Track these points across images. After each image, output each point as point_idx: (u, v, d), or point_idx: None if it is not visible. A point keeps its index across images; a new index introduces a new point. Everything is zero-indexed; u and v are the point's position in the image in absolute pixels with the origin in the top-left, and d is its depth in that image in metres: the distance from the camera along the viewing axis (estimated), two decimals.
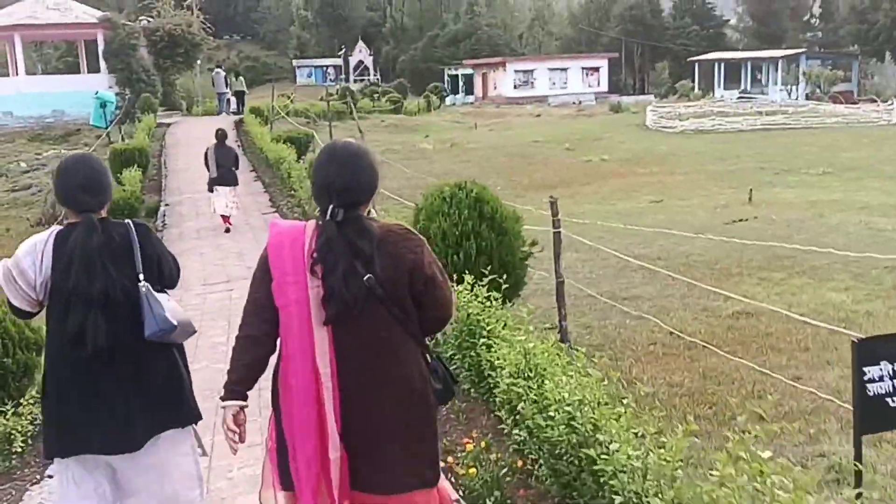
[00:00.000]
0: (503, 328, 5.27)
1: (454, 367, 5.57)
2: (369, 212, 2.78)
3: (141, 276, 3.17)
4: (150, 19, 32.82)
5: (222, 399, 2.76)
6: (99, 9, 33.87)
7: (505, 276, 6.50)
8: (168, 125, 27.32)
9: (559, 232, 6.73)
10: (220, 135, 13.98)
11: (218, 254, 11.93)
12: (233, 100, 31.27)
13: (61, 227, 3.22)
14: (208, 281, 10.08)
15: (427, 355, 2.81)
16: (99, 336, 3.06)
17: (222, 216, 13.69)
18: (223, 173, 13.57)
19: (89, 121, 26.32)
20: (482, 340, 5.18)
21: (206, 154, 13.95)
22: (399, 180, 18.82)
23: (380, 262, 2.61)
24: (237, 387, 2.75)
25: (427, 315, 2.78)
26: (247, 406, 2.79)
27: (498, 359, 4.84)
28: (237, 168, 14.03)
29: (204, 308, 8.69)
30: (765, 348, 7.01)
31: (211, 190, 13.76)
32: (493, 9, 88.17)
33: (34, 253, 3.13)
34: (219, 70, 32.52)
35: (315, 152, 20.35)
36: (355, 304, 2.59)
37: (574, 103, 51.41)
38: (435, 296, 2.76)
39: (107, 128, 22.75)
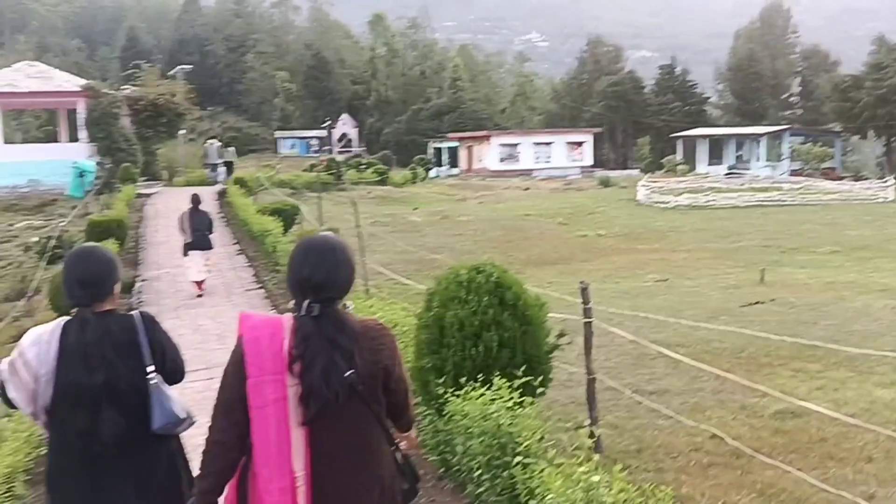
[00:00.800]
0: (539, 440, 4.41)
1: (482, 489, 4.65)
2: (345, 305, 2.73)
3: (150, 369, 3.17)
4: (134, 88, 32.35)
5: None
6: (81, 77, 33.40)
7: (530, 373, 5.75)
8: (148, 195, 26.53)
9: (590, 322, 5.88)
10: (195, 199, 14.14)
11: (197, 337, 11.01)
12: (222, 169, 31.33)
13: (68, 318, 3.18)
14: (187, 368, 9.06)
15: (396, 454, 2.80)
16: (110, 431, 3.06)
17: (195, 282, 13.67)
18: (198, 238, 13.66)
19: (66, 190, 25.47)
20: (517, 459, 4.28)
21: (181, 218, 13.98)
22: (390, 254, 18.06)
23: (359, 357, 2.60)
24: (209, 496, 2.68)
25: (400, 418, 2.86)
26: None
27: (538, 485, 3.97)
28: (212, 233, 14.11)
29: (182, 401, 7.70)
30: (823, 458, 6.13)
31: (186, 254, 13.81)
32: (476, 83, 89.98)
33: (39, 343, 3.10)
34: (212, 141, 32.91)
35: (301, 225, 19.64)
36: (336, 401, 2.55)
37: (563, 177, 51.30)
38: (403, 398, 2.82)
39: (84, 198, 21.90)
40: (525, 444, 4.29)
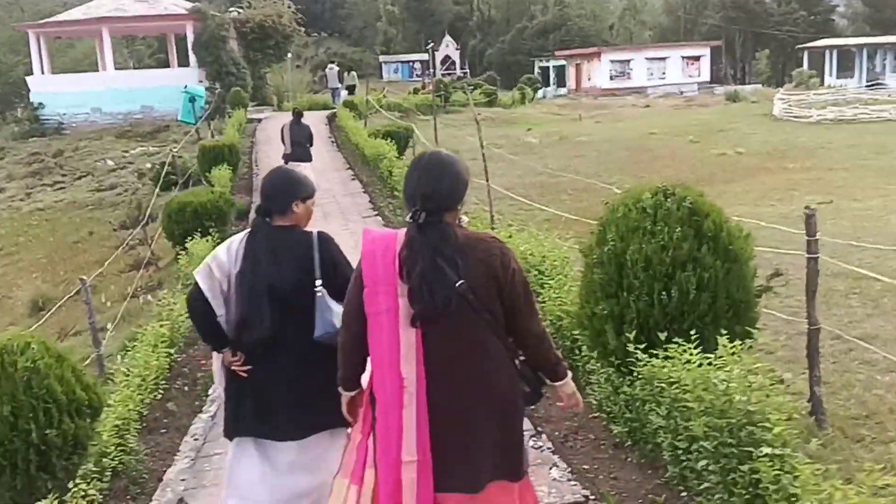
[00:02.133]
0: (787, 419, 3.32)
1: (706, 485, 3.59)
2: (459, 220, 2.86)
3: (318, 281, 3.39)
4: (241, 10, 31.68)
5: (342, 390, 3.06)
6: (189, 1, 32.95)
7: (735, 323, 4.63)
8: (259, 121, 26.04)
9: (816, 259, 4.66)
10: (296, 112, 14.63)
11: None
12: (344, 93, 31.75)
13: (252, 229, 3.54)
14: None
15: (516, 360, 2.88)
16: (264, 326, 3.35)
17: None
18: (297, 150, 13.79)
19: (178, 116, 25.23)
20: (765, 450, 3.19)
21: (282, 130, 14.26)
22: (509, 177, 16.92)
23: (468, 267, 2.69)
24: (348, 382, 3.02)
25: (520, 328, 2.85)
26: (361, 391, 2.99)
27: (799, 487, 2.91)
28: (311, 145, 14.26)
29: None
30: None
31: (285, 164, 13.50)
32: None
33: (230, 249, 3.49)
34: (332, 66, 33.61)
35: (415, 148, 18.69)
36: (440, 305, 2.65)
37: (680, 93, 48.52)
38: (520, 308, 2.81)
39: (195, 123, 21.51)
40: (776, 430, 3.19)
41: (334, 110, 27.48)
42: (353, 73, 32.85)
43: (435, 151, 2.98)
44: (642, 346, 4.34)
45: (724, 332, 4.25)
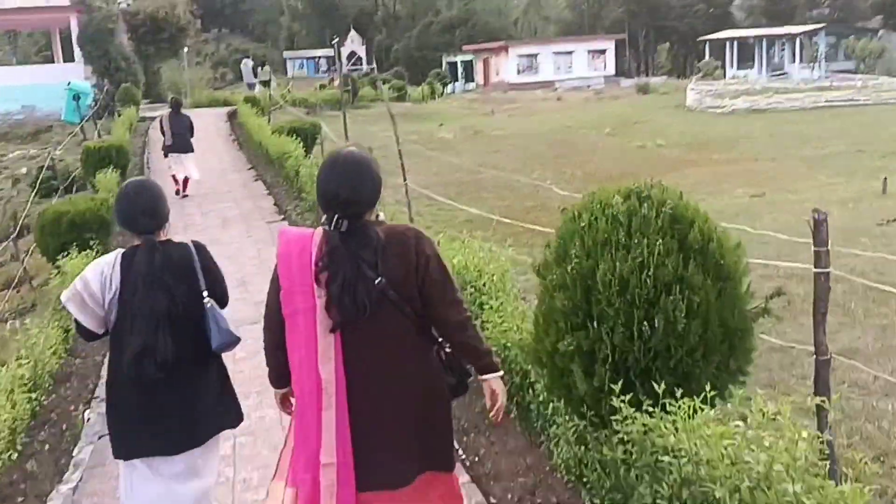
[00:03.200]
0: None
1: None
2: (377, 216, 2.82)
3: (205, 293, 3.38)
4: (130, 2, 29.65)
5: (273, 388, 3.08)
6: None
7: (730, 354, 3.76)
8: (153, 119, 24.28)
9: (827, 274, 3.77)
10: (174, 102, 14.78)
11: None
12: (259, 87, 31.70)
13: (125, 250, 3.43)
14: None
15: (441, 351, 2.88)
16: (167, 350, 3.28)
17: (173, 177, 14.10)
18: (178, 141, 13.87)
19: (61, 116, 23.23)
20: None
21: (160, 121, 14.54)
22: (426, 175, 15.91)
23: (386, 264, 2.67)
24: (277, 380, 3.03)
25: (440, 317, 2.81)
26: (289, 390, 2.98)
27: None
28: (192, 136, 14.20)
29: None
30: None
31: (165, 156, 14.33)
32: None
33: (101, 275, 3.34)
34: (247, 61, 35.35)
35: (323, 145, 17.50)
36: (363, 310, 2.64)
37: (587, 87, 48.55)
38: (440, 295, 2.77)
39: (80, 123, 19.71)
40: None
41: (235, 107, 25.92)
42: (267, 67, 33.21)
43: (348, 151, 2.85)
44: (624, 395, 3.37)
45: (716, 369, 3.36)
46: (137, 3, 29.24)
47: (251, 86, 32.79)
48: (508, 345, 4.85)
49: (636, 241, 3.68)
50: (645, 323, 3.56)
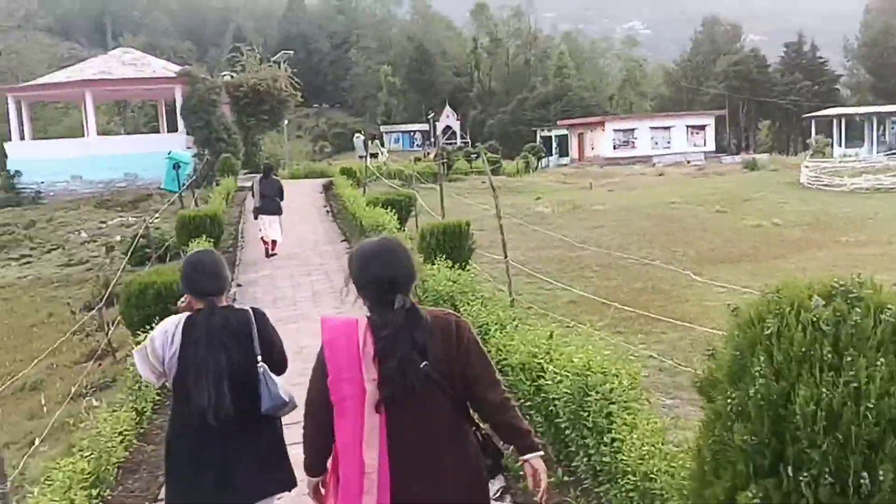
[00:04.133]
0: None
1: None
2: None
3: (259, 357, 3.58)
4: (234, 74, 30.26)
5: (307, 476, 3.07)
6: (181, 65, 31.57)
7: None
8: (251, 189, 24.36)
9: None
10: (267, 167, 15.80)
11: (298, 364, 8.38)
12: (370, 159, 32.55)
13: (191, 314, 3.64)
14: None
15: (477, 433, 2.90)
16: (227, 407, 3.46)
17: (263, 240, 14.63)
18: (266, 203, 14.43)
19: (161, 184, 23.52)
20: None
21: (252, 185, 15.45)
22: (523, 251, 15.11)
23: (433, 347, 2.73)
24: (313, 468, 3.02)
25: (482, 398, 2.85)
26: (325, 478, 3.00)
27: None
28: (282, 199, 14.82)
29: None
30: None
31: (255, 218, 14.88)
32: (581, 71, 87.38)
33: (165, 334, 3.58)
34: (358, 135, 36.31)
35: (417, 218, 16.97)
36: (412, 392, 2.67)
37: (686, 162, 47.28)
38: (481, 378, 2.83)
39: (179, 192, 19.78)
40: None
41: (331, 179, 25.84)
42: (377, 141, 33.35)
43: (382, 238, 3.05)
44: None
45: None
46: (240, 76, 29.85)
47: (362, 158, 33.49)
48: (652, 475, 3.87)
49: (848, 359, 2.70)
50: (864, 474, 2.57)
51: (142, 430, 7.40)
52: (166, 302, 9.80)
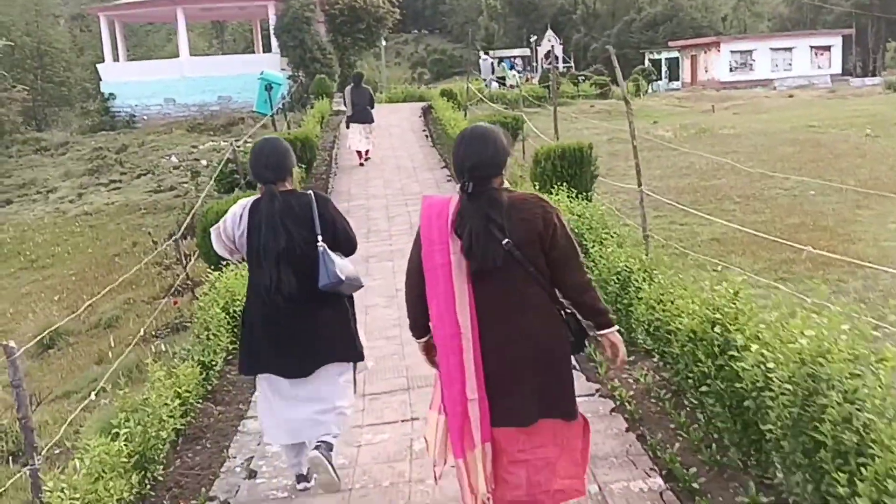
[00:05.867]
0: None
1: None
2: (502, 182, 3.11)
3: (319, 238, 3.87)
4: None
5: (414, 338, 3.41)
6: None
7: None
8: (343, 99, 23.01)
9: None
10: (356, 75, 15.87)
11: (394, 309, 7.07)
12: (495, 84, 31.99)
13: (257, 197, 3.97)
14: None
15: (563, 311, 3.13)
16: (290, 285, 3.83)
17: (357, 151, 15.30)
18: (357, 111, 14.88)
19: (254, 107, 22.37)
20: None
21: (343, 94, 16.05)
22: (647, 179, 13.17)
23: (513, 226, 2.98)
24: (417, 329, 3.36)
25: (565, 279, 3.08)
26: (429, 339, 3.28)
27: None
28: (372, 107, 15.25)
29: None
30: None
31: (347, 127, 15.44)
32: None
33: (234, 216, 3.96)
34: (486, 57, 36.89)
35: (525, 142, 15.32)
36: (491, 262, 2.96)
37: (811, 85, 43.63)
38: (563, 259, 3.06)
39: (271, 114, 18.57)
40: None
41: (429, 103, 24.25)
42: (504, 64, 32.33)
43: (477, 124, 3.22)
44: None
45: None
46: None
47: (487, 82, 32.12)
48: None
49: None
50: None
51: (209, 388, 6.21)
52: None
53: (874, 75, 58.47)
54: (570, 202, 8.22)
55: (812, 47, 54.95)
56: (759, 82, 48.61)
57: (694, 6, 76.65)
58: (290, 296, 3.80)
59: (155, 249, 11.29)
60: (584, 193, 9.30)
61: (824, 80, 49.52)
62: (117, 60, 28.80)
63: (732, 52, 54.13)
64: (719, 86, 47.89)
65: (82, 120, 28.61)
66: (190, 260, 10.10)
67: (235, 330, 7.01)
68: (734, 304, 4.13)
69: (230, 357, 6.77)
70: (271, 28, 26.58)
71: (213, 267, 8.69)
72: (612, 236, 7.24)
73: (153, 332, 8.60)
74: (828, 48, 55.26)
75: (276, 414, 4.07)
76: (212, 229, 4.04)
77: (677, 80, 57.22)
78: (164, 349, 7.69)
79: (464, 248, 2.97)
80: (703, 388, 4.14)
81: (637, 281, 5.70)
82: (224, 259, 4.41)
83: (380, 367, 6.15)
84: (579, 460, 3.23)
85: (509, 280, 2.98)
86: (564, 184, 9.05)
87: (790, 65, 53.84)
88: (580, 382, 5.30)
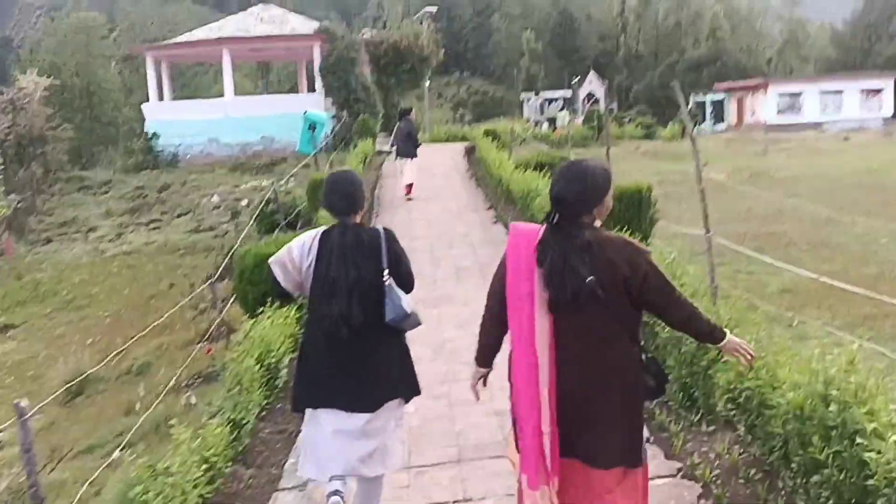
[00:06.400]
0: None
1: None
2: (593, 220, 3.09)
3: (386, 271, 3.85)
4: (374, 32, 28.54)
5: (475, 365, 3.41)
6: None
7: None
8: (389, 153, 22.72)
9: None
10: (402, 111, 16.19)
11: (440, 363, 6.51)
12: (545, 125, 31.79)
13: (326, 228, 4.00)
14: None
15: (643, 354, 3.12)
16: (358, 317, 3.77)
17: (406, 186, 15.64)
18: (401, 146, 15.32)
19: (297, 147, 22.16)
20: None
21: (393, 131, 16.50)
22: (702, 225, 12.55)
23: (597, 264, 2.95)
24: (482, 358, 3.37)
25: (668, 317, 3.15)
26: (488, 372, 3.39)
27: None
28: (418, 144, 15.61)
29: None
30: None
31: (395, 160, 15.93)
32: (737, 33, 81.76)
33: (303, 246, 3.94)
34: (531, 95, 35.33)
35: None
36: (567, 295, 2.93)
37: (862, 128, 42.65)
38: (660, 301, 3.06)
39: (313, 154, 18.27)
40: None
41: (472, 143, 23.88)
42: (555, 104, 31.83)
43: (576, 160, 3.25)
44: None
45: None
46: (381, 33, 28.13)
47: (537, 123, 32.30)
48: None
49: None
50: None
51: (240, 448, 5.67)
52: None
53: None
54: None
55: (863, 90, 53.96)
56: (808, 125, 47.71)
57: (738, 49, 76.17)
58: (357, 329, 3.77)
59: (191, 292, 10.89)
60: (644, 239, 8.71)
61: (876, 122, 48.54)
62: (162, 100, 28.95)
63: (780, 94, 53.29)
64: (766, 128, 47.07)
65: (126, 159, 28.68)
66: (226, 304, 9.64)
67: (270, 383, 6.52)
68: (850, 375, 3.51)
69: (263, 413, 6.26)
70: (316, 68, 26.50)
71: (248, 314, 8.22)
72: (683, 286, 6.60)
73: (184, 382, 8.13)
74: (878, 91, 54.23)
75: (330, 447, 3.95)
76: (271, 262, 3.97)
77: (722, 121, 56.51)
78: (193, 402, 7.20)
79: (544, 280, 2.98)
80: (815, 478, 3.49)
81: None
82: (282, 295, 4.32)
83: (426, 430, 5.58)
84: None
85: (591, 317, 2.97)
86: (622, 227, 8.46)
87: (839, 107, 52.91)
88: (658, 461, 4.68)
